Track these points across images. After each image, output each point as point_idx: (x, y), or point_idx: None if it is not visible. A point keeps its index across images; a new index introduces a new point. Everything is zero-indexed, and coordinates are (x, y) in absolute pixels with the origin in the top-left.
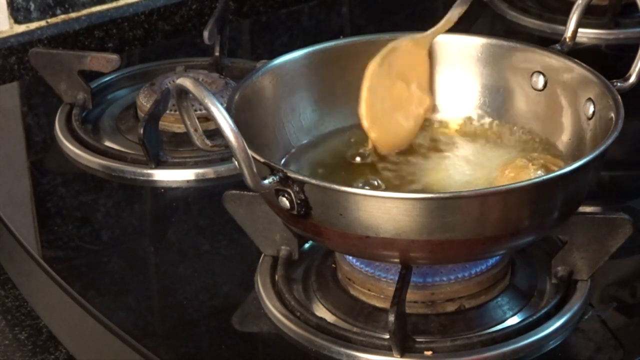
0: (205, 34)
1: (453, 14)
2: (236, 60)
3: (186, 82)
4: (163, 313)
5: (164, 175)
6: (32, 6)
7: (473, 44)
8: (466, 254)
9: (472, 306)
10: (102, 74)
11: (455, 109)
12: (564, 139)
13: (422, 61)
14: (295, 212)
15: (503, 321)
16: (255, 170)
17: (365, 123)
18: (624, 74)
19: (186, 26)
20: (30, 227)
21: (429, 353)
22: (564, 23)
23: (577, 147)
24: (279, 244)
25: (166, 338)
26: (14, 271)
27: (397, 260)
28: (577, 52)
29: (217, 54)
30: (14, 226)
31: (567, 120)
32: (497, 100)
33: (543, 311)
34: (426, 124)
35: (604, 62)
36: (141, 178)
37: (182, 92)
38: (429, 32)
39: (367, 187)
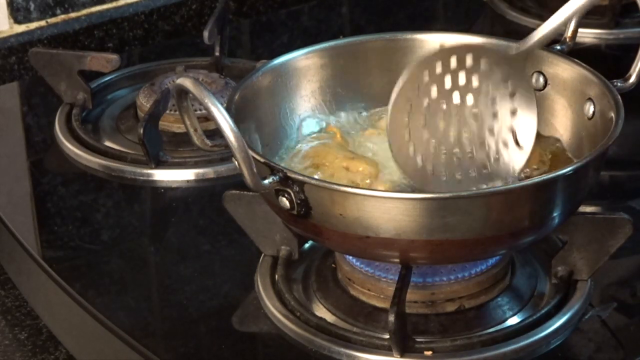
0: (205, 34)
1: None
2: (236, 60)
3: (186, 82)
4: (163, 313)
5: (164, 175)
6: (32, 6)
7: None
8: (466, 254)
9: (472, 306)
10: (102, 74)
11: None
12: (564, 139)
13: None
14: (295, 212)
15: (503, 321)
16: (255, 170)
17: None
18: (624, 74)
19: (186, 26)
20: (30, 227)
21: (429, 353)
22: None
23: (577, 147)
24: (279, 244)
25: (166, 338)
26: (14, 271)
27: (397, 260)
28: (577, 52)
29: (217, 54)
30: (14, 226)
31: (567, 120)
32: None
33: (543, 311)
34: None
35: (604, 62)
36: (141, 178)
37: (182, 92)
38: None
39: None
